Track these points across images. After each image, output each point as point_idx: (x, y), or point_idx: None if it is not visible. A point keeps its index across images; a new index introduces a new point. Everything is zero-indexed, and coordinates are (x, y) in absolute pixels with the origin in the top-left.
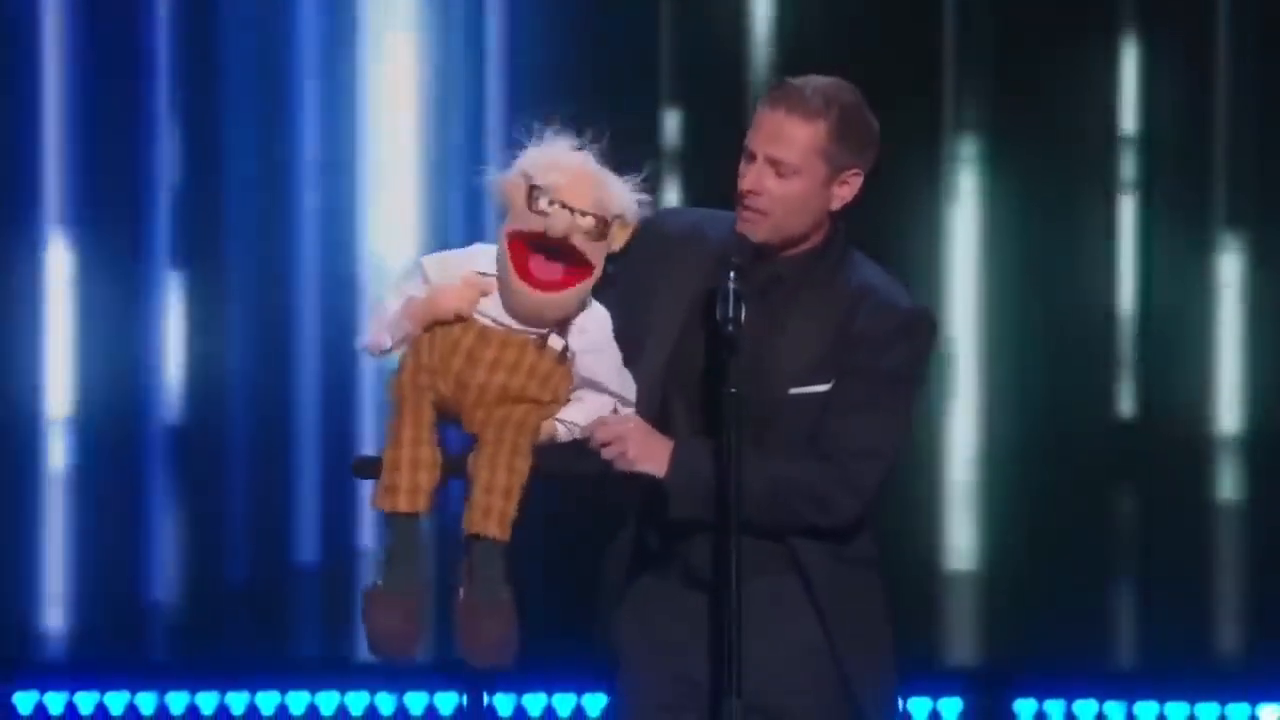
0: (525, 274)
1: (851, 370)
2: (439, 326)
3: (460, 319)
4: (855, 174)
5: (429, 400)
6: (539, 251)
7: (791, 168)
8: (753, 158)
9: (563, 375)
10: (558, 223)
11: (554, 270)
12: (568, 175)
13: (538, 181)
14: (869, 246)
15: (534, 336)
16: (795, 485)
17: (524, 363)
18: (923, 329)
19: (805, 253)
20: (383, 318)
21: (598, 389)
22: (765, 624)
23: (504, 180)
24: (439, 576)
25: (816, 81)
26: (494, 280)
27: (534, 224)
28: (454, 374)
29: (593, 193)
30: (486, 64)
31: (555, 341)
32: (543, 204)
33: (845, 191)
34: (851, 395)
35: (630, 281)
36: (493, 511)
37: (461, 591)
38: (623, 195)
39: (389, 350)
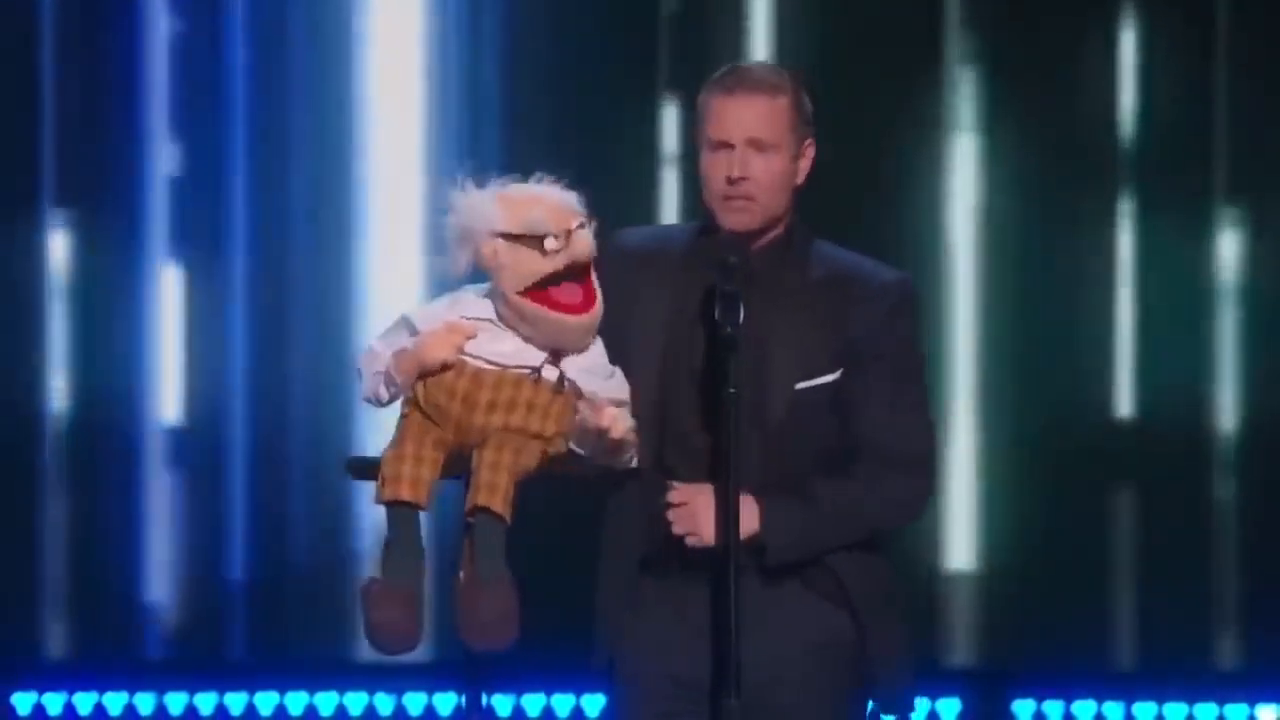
0: (557, 305)
1: (871, 363)
2: (431, 375)
3: (448, 367)
4: (810, 145)
5: (435, 432)
6: (553, 285)
7: (772, 145)
8: (724, 146)
9: (562, 405)
10: (581, 246)
11: (574, 293)
12: (544, 206)
13: (529, 230)
14: (869, 244)
15: (529, 371)
16: (890, 501)
17: (520, 399)
18: (911, 295)
19: (772, 242)
20: (377, 368)
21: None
22: (781, 619)
23: (476, 249)
24: (437, 576)
25: (758, 63)
26: (478, 323)
27: (551, 265)
28: (454, 420)
29: (569, 208)
30: (485, 61)
31: (549, 373)
32: (550, 244)
33: (805, 164)
34: (888, 394)
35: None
36: (498, 488)
37: (462, 573)
38: (574, 199)
39: (387, 403)
